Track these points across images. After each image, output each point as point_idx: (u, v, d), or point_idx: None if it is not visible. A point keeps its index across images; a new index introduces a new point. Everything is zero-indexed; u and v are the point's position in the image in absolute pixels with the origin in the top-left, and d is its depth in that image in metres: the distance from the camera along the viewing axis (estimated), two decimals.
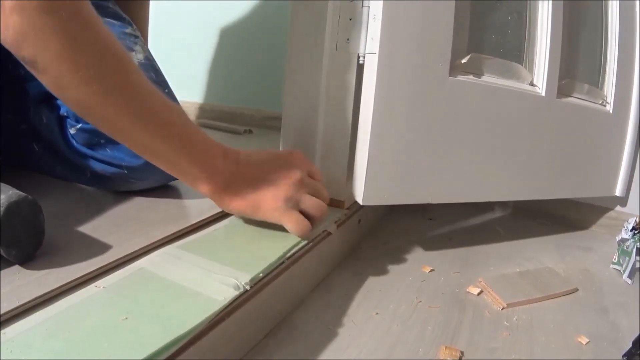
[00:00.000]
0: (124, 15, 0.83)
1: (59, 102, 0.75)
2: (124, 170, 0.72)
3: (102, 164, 0.74)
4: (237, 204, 0.63)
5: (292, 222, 0.63)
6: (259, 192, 0.63)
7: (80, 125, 0.73)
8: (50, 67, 0.48)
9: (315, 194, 0.66)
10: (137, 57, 0.77)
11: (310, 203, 0.65)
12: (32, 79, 0.75)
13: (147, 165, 0.72)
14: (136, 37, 0.80)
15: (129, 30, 0.80)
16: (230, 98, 1.50)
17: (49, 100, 0.76)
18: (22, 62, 0.48)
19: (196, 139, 0.60)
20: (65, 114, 0.74)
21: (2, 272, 0.51)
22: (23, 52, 0.47)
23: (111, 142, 0.72)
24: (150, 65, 0.78)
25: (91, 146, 0.74)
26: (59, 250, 0.56)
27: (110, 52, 0.51)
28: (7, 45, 0.47)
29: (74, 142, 0.75)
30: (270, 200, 0.62)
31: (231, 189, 0.62)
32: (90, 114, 0.53)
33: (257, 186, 0.63)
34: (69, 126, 0.74)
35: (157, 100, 0.56)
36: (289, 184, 0.63)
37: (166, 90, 0.78)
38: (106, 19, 0.77)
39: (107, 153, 0.73)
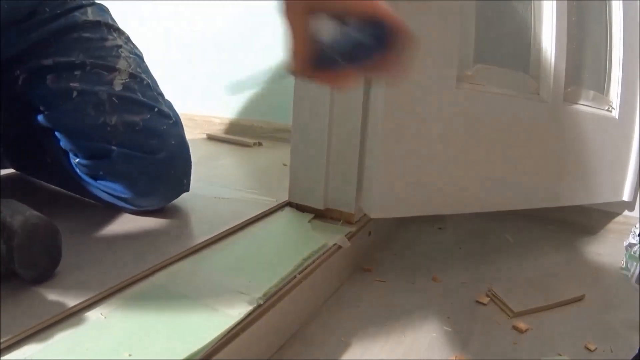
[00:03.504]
0: (104, 21, 0.76)
1: (57, 134, 0.73)
2: (125, 198, 0.73)
3: (104, 193, 0.74)
4: None
5: None
6: None
7: (77, 159, 0.73)
8: None
9: None
10: (121, 77, 0.72)
11: None
12: (37, 110, 0.71)
13: (144, 194, 0.73)
14: (119, 46, 0.74)
15: (109, 42, 0.74)
16: (240, 110, 1.52)
17: (50, 130, 0.74)
18: None
19: None
20: (64, 147, 0.74)
21: (19, 291, 0.52)
22: None
23: (110, 175, 0.72)
24: (137, 82, 0.73)
25: (92, 177, 0.74)
26: (75, 268, 0.58)
27: None
28: None
29: (78, 171, 0.75)
30: None
31: None
32: None
33: None
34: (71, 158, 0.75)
35: None
36: None
37: (155, 110, 0.73)
38: (83, 35, 0.72)
39: (107, 184, 0.73)
